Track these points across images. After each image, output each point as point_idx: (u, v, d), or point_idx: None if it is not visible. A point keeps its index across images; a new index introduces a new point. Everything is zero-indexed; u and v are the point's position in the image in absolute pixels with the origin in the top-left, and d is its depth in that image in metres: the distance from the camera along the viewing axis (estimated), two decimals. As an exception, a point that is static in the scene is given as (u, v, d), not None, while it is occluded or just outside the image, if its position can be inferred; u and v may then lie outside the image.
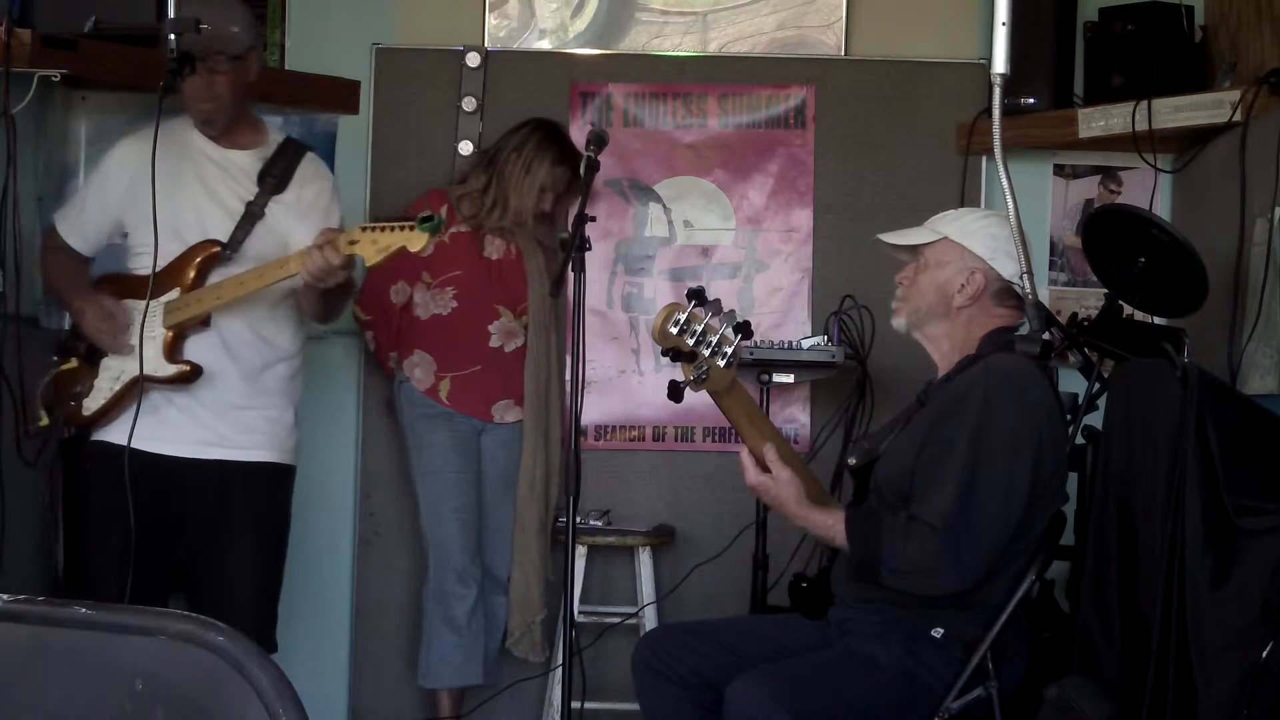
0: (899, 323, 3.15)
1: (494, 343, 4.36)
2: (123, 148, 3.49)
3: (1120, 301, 3.64)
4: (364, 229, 3.20)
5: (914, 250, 3.14)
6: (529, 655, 4.39)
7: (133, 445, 3.37)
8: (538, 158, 4.31)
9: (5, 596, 1.33)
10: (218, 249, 3.42)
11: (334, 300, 3.49)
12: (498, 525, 4.39)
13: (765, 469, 2.94)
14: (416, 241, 3.13)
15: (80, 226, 3.58)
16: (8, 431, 3.39)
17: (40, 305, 4.01)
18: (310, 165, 3.59)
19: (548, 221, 4.45)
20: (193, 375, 3.40)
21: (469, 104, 4.61)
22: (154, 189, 3.33)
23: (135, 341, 3.38)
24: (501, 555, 4.38)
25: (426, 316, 4.34)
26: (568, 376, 4.34)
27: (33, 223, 3.88)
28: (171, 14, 3.32)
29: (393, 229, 3.16)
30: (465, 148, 4.61)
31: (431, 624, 4.30)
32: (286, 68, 4.55)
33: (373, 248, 3.17)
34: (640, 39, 4.71)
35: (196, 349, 3.43)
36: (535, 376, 4.36)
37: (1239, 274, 3.83)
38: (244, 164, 3.52)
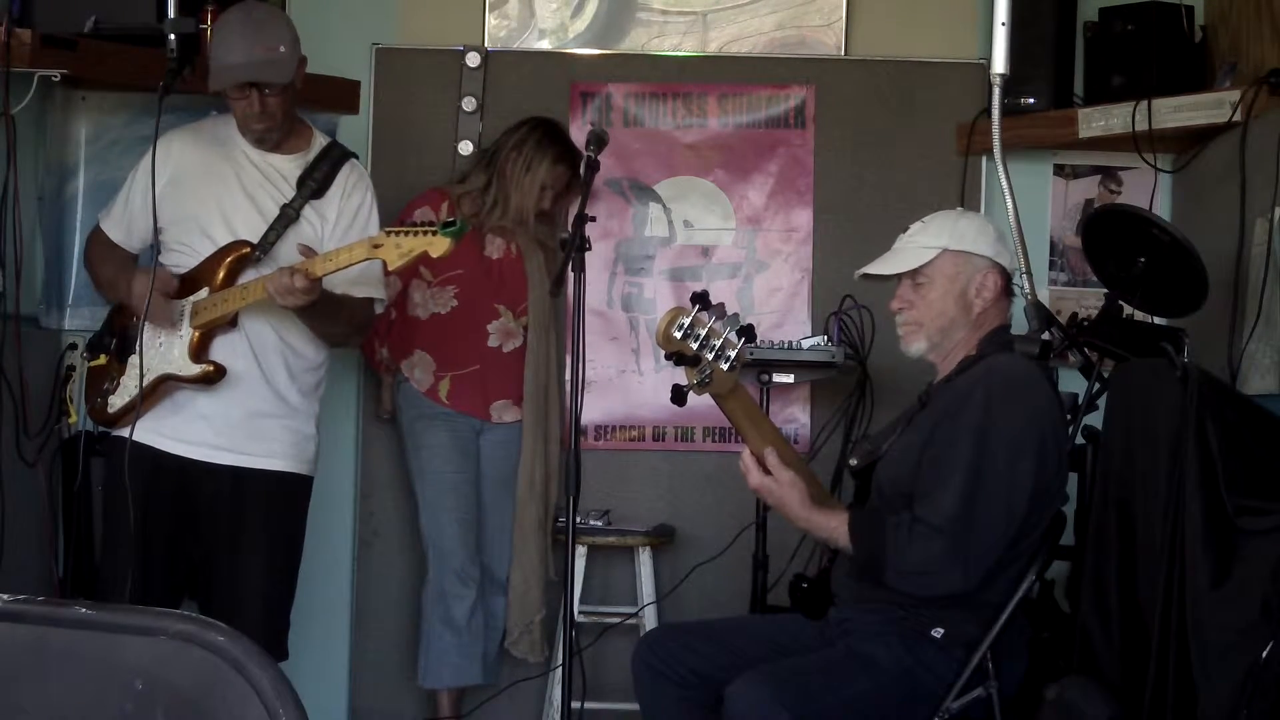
0: (918, 348, 3.07)
1: (492, 342, 4.35)
2: (164, 144, 3.42)
3: (1120, 301, 3.64)
4: (388, 232, 3.18)
5: (905, 271, 3.10)
6: (528, 655, 4.38)
7: (154, 446, 3.39)
8: (538, 155, 4.30)
9: (5, 596, 1.33)
10: (248, 249, 3.41)
11: (319, 328, 3.47)
12: (497, 525, 4.38)
13: (767, 472, 2.94)
14: (439, 247, 3.11)
15: (125, 223, 3.55)
16: (8, 431, 3.39)
17: (40, 305, 4.01)
18: (353, 173, 3.58)
19: (548, 221, 4.44)
20: (216, 376, 3.40)
21: (469, 104, 4.61)
22: (154, 190, 3.34)
23: (179, 315, 3.37)
24: (501, 555, 4.38)
25: (426, 316, 4.34)
26: (567, 376, 4.33)
27: (33, 223, 3.88)
28: (172, 13, 3.33)
29: (416, 233, 3.13)
30: (465, 148, 4.60)
31: (431, 624, 4.30)
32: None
33: (396, 252, 3.15)
34: (640, 39, 4.71)
35: (223, 351, 3.42)
36: (535, 376, 4.35)
37: (1239, 274, 3.83)
38: (284, 169, 3.51)
